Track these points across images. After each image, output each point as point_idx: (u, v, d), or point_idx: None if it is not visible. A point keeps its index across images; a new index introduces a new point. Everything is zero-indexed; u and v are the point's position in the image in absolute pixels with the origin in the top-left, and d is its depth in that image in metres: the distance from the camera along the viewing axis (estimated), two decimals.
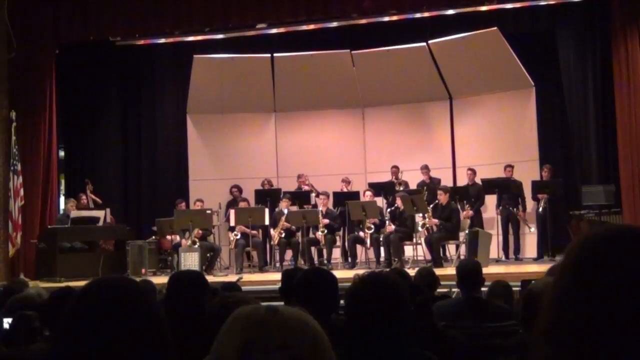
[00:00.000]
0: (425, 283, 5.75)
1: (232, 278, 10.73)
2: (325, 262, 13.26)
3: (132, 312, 1.48)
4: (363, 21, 14.72)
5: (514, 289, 6.33)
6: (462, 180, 14.50)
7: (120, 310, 1.47)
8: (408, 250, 13.34)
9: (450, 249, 13.71)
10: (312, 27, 15.06)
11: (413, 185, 14.43)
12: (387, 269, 9.55)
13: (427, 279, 6.07)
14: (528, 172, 13.87)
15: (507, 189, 13.62)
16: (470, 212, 13.53)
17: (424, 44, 14.86)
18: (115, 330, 1.45)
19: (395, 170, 14.64)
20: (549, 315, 1.13)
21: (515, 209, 13.58)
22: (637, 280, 1.07)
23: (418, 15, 14.34)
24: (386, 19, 14.62)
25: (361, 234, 13.19)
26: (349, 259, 13.41)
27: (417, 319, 3.60)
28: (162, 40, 15.36)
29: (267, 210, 13.72)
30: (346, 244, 13.64)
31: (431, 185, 14.10)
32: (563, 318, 1.11)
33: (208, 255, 13.16)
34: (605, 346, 1.06)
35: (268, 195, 14.42)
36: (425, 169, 14.47)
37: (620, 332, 1.05)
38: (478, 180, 13.96)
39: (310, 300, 3.44)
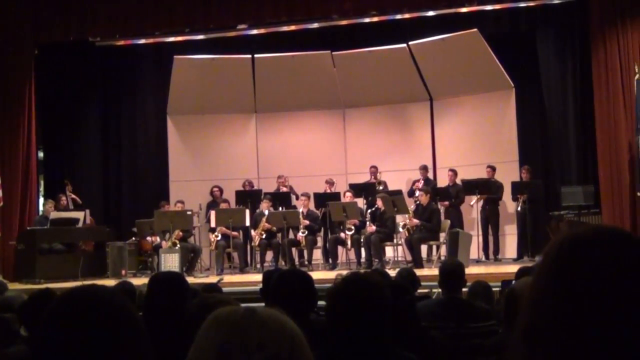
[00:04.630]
0: (405, 284, 5.76)
1: (213, 279, 10.72)
2: (306, 263, 13.26)
3: (110, 322, 1.47)
4: (344, 22, 14.73)
5: (494, 289, 6.36)
6: (443, 181, 14.55)
7: (98, 320, 1.46)
8: (389, 251, 13.40)
9: (432, 249, 13.76)
10: (292, 28, 15.05)
11: (392, 186, 14.47)
12: (368, 270, 9.56)
13: (407, 280, 6.07)
14: (508, 173, 13.93)
15: (487, 190, 13.67)
16: (446, 203, 13.69)
17: (405, 45, 14.90)
18: (93, 339, 1.44)
19: (374, 170, 14.69)
20: (526, 316, 1.14)
21: (478, 197, 13.68)
22: (613, 281, 1.08)
23: (398, 16, 14.37)
24: (367, 20, 14.64)
25: (342, 235, 13.20)
26: (330, 260, 13.41)
27: (401, 319, 3.61)
28: (143, 41, 15.30)
29: (247, 212, 13.69)
30: (327, 245, 13.65)
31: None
32: (540, 318, 1.11)
33: (189, 256, 13.12)
34: (581, 346, 1.06)
35: (249, 196, 14.41)
36: (424, 169, 14.53)
37: (596, 332, 1.06)
38: (459, 181, 14.01)
39: (286, 301, 3.45)
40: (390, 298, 2.74)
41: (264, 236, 13.38)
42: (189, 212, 13.48)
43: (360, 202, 13.84)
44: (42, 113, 15.03)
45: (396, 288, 3.91)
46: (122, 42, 15.24)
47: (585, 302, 1.08)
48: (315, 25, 14.81)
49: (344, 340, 2.62)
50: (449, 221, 13.27)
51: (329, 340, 2.62)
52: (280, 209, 13.92)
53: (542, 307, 1.12)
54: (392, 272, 7.46)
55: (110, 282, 9.66)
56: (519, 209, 13.51)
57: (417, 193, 13.42)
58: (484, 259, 13.67)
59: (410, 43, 14.84)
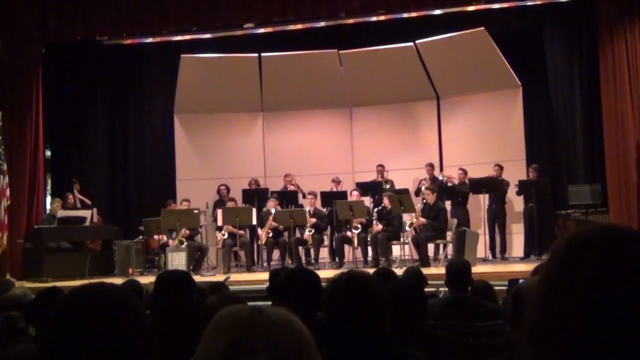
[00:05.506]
0: (413, 282, 5.74)
1: (220, 278, 10.70)
2: (313, 261, 13.26)
3: (117, 319, 1.47)
4: (351, 21, 14.74)
5: (501, 288, 6.35)
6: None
7: (105, 317, 1.46)
8: (395, 250, 13.36)
9: (439, 248, 13.74)
10: (299, 26, 15.05)
11: (399, 184, 14.46)
12: (373, 269, 9.55)
13: (414, 279, 6.06)
14: (515, 171, 13.91)
15: (494, 189, 13.65)
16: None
17: (412, 44, 14.88)
18: (100, 337, 1.43)
19: (381, 168, 14.69)
20: (534, 315, 1.13)
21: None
22: (621, 280, 1.07)
23: (406, 15, 14.38)
24: (374, 18, 14.64)
25: (349, 233, 13.19)
26: (337, 259, 13.39)
27: (409, 318, 3.60)
28: (150, 40, 15.33)
29: (254, 210, 13.70)
30: (334, 243, 13.64)
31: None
32: (547, 317, 1.11)
33: (196, 254, 13.12)
34: (589, 346, 1.06)
35: (255, 195, 14.41)
36: (430, 166, 14.52)
37: (605, 331, 1.05)
38: (467, 180, 13.99)
39: (293, 300, 3.44)
40: (382, 290, 2.72)
41: (270, 235, 13.37)
42: (195, 211, 13.48)
43: (367, 201, 13.83)
44: (49, 112, 15.04)
45: (404, 287, 3.91)
46: (129, 41, 15.27)
47: (592, 302, 1.07)
48: (322, 24, 14.81)
49: (343, 340, 2.61)
50: (455, 220, 13.24)
51: (331, 340, 2.61)
52: (287, 207, 13.93)
53: (549, 307, 1.11)
54: (399, 271, 7.44)
55: (118, 281, 9.66)
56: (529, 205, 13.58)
57: (424, 190, 13.40)
58: (490, 257, 13.64)
59: (417, 42, 14.83)
